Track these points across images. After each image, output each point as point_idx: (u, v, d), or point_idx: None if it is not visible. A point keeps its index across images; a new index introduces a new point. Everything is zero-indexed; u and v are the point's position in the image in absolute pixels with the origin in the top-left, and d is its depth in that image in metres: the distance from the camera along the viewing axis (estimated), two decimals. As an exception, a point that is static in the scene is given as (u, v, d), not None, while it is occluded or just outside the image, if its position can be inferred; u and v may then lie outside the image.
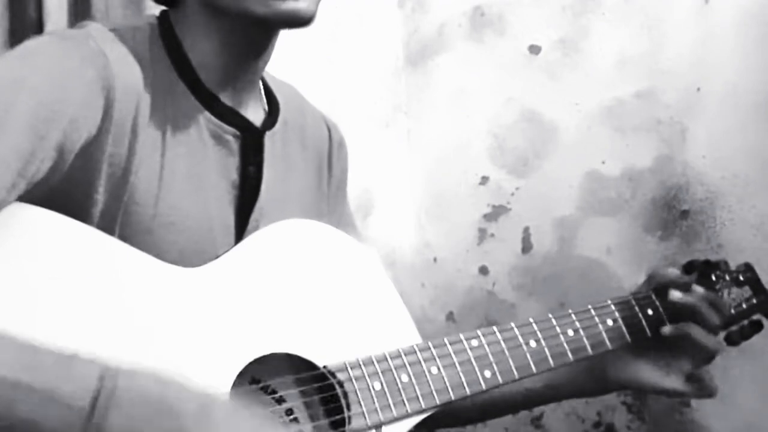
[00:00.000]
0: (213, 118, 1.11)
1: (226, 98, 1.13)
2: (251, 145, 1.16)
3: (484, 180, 2.39)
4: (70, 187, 1.01)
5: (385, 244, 2.38)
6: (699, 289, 1.36)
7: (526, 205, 2.35)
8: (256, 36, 1.12)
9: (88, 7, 1.81)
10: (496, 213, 2.38)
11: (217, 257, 1.10)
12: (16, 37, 1.76)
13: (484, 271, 2.39)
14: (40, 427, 0.87)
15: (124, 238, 1.03)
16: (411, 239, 2.47)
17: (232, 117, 1.13)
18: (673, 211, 2.18)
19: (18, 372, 0.87)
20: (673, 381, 1.36)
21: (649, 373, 1.36)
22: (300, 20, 1.06)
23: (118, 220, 1.04)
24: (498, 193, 2.37)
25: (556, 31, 2.30)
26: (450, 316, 2.42)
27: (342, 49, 2.33)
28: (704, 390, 1.36)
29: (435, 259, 2.46)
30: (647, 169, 2.20)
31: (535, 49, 2.33)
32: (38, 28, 1.77)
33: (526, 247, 2.34)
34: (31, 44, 1.04)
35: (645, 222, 2.21)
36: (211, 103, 1.11)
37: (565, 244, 2.29)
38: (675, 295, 1.34)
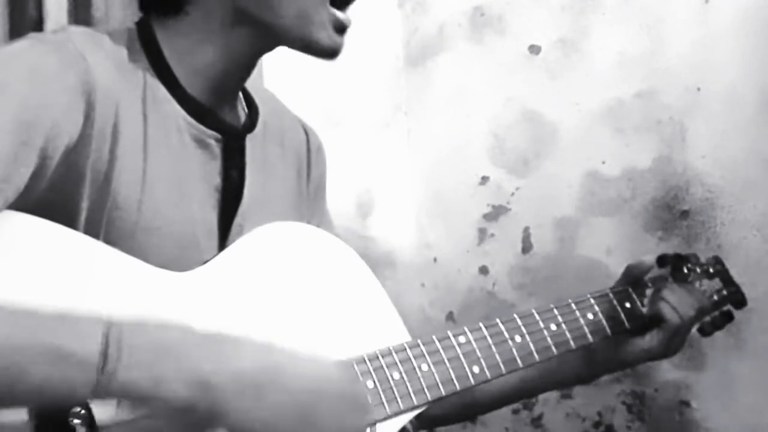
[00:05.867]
0: (194, 122, 1.11)
1: (207, 102, 1.13)
2: (233, 149, 1.16)
3: (484, 180, 2.39)
4: (56, 197, 1.00)
5: (385, 244, 2.38)
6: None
7: (526, 205, 2.35)
8: (263, 51, 1.15)
9: (88, 7, 1.81)
10: (496, 213, 2.38)
11: (204, 262, 1.10)
12: (16, 37, 1.76)
13: (484, 271, 2.39)
14: (54, 387, 0.87)
15: (108, 244, 1.03)
16: (411, 239, 2.47)
17: (213, 121, 1.13)
18: (673, 211, 2.18)
19: (21, 337, 0.87)
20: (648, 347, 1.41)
21: (632, 346, 1.41)
22: (337, 55, 1.14)
23: (102, 227, 1.03)
24: (498, 193, 2.38)
25: (556, 31, 2.31)
26: (450, 316, 2.43)
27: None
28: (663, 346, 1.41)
29: (435, 259, 2.46)
30: (647, 169, 2.21)
31: (535, 49, 2.33)
32: (38, 27, 1.77)
33: (526, 247, 2.35)
34: (9, 49, 1.03)
35: (645, 222, 2.21)
36: (192, 107, 1.11)
37: (565, 244, 2.30)
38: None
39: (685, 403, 2.15)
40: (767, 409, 2.05)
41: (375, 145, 2.41)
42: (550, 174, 2.32)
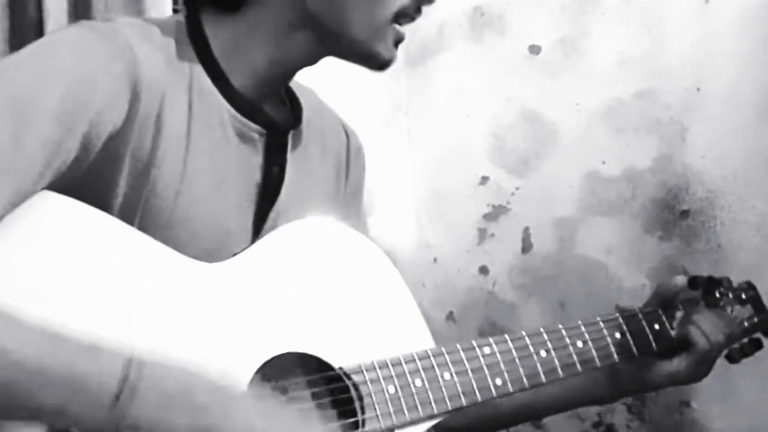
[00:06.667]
0: (239, 115, 1.11)
1: (252, 97, 1.13)
2: (276, 145, 1.16)
3: (484, 180, 2.39)
4: (92, 179, 1.01)
5: (385, 244, 2.37)
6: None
7: (526, 205, 2.35)
8: (315, 59, 1.15)
9: (88, 7, 1.80)
10: (496, 213, 2.38)
11: (235, 254, 1.10)
12: (16, 37, 1.76)
13: (484, 271, 2.39)
14: (65, 413, 0.88)
15: (142, 231, 1.03)
16: (411, 239, 2.47)
17: (258, 115, 1.13)
18: (673, 211, 2.18)
19: (42, 360, 0.87)
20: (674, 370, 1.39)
21: (658, 369, 1.38)
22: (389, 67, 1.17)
23: (138, 214, 1.04)
24: (498, 193, 2.38)
25: (556, 31, 2.31)
26: (450, 316, 2.42)
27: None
28: (692, 371, 1.38)
29: (435, 259, 2.46)
30: (647, 169, 2.21)
31: (535, 49, 2.33)
32: (38, 27, 1.76)
33: (526, 247, 2.35)
34: (59, 35, 1.04)
35: (645, 222, 2.21)
36: (237, 101, 1.11)
37: (565, 244, 2.30)
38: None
39: (685, 403, 2.15)
40: (767, 409, 2.05)
41: (375, 145, 2.41)
42: (550, 174, 2.32)
